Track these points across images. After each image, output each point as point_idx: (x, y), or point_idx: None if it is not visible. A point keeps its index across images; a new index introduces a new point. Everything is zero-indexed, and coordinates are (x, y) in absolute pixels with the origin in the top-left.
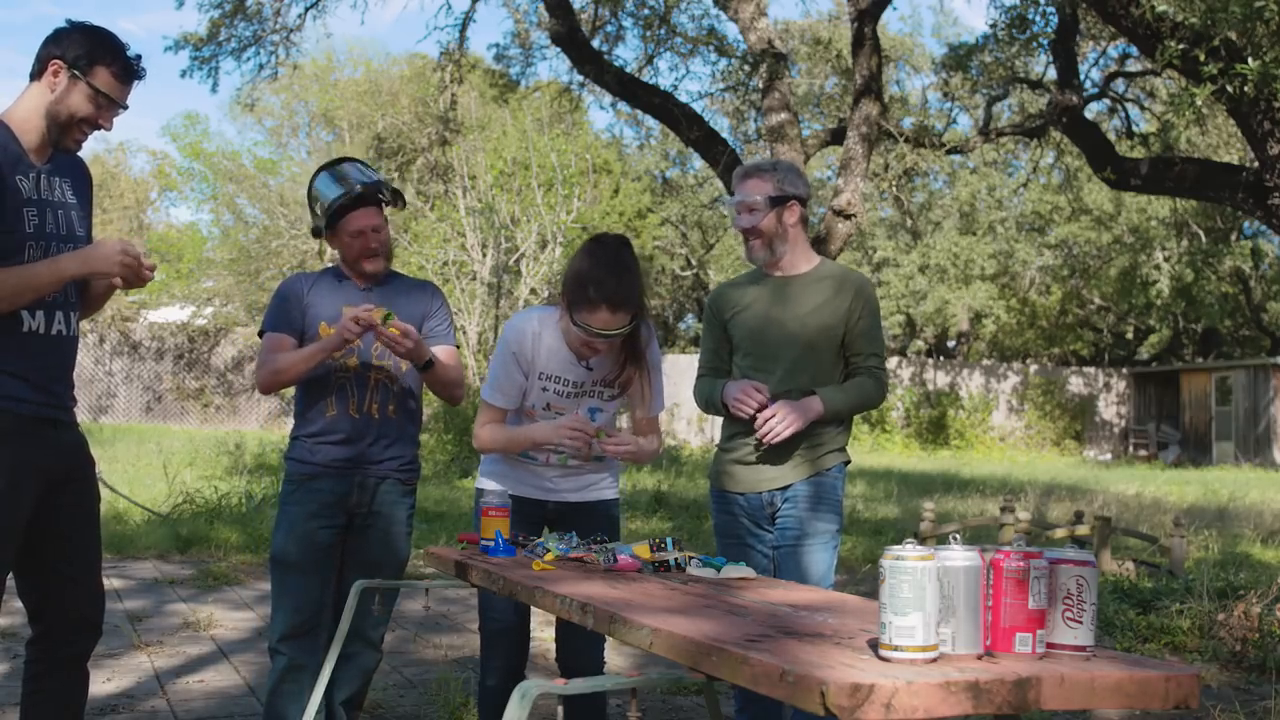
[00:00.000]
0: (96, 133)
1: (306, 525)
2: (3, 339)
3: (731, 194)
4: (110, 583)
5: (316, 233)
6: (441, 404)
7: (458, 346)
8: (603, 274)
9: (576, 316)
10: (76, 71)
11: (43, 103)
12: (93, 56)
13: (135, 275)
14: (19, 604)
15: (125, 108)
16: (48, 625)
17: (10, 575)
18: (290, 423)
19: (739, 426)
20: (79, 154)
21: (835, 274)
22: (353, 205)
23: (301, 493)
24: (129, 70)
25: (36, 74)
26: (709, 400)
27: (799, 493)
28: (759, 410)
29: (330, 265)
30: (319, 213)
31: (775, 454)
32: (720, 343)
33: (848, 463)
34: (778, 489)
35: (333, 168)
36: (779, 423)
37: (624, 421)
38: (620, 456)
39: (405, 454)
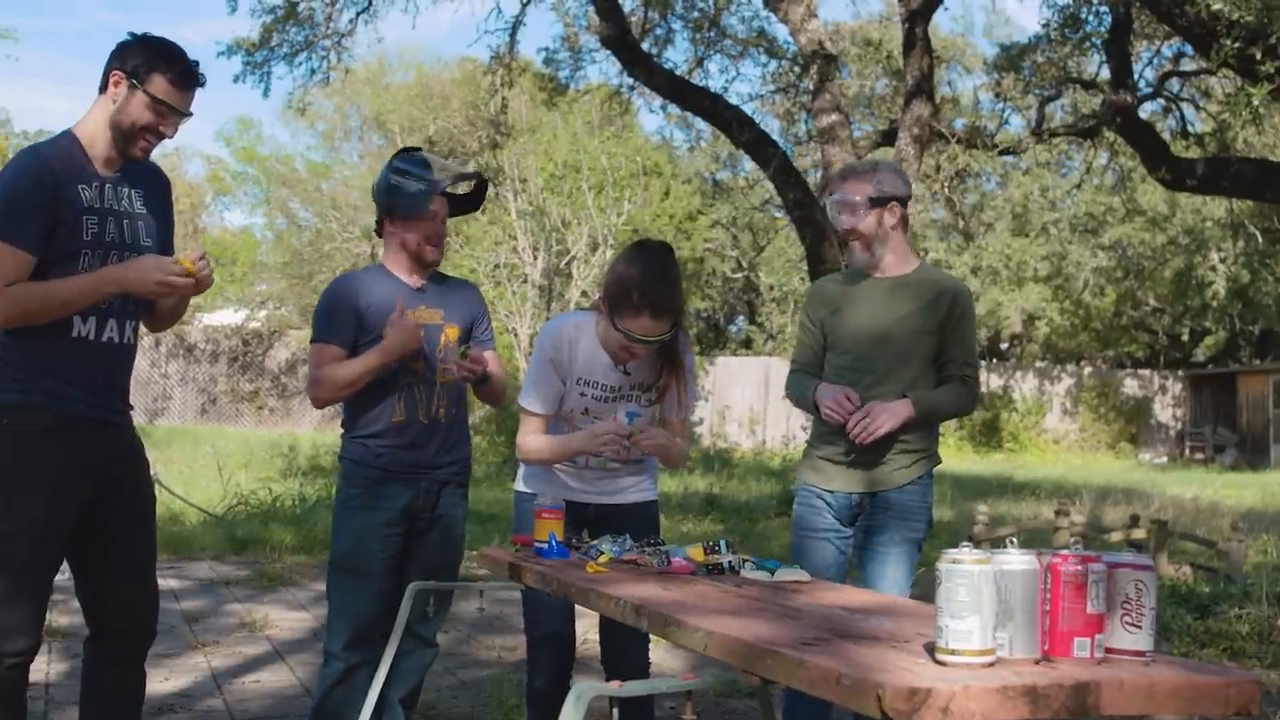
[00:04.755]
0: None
1: (377, 532)
2: (52, 343)
3: (831, 195)
4: (167, 583)
5: (390, 210)
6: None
7: (503, 348)
8: (648, 280)
9: (619, 322)
10: (135, 81)
11: (107, 114)
12: (149, 65)
13: (189, 288)
14: (78, 604)
15: (188, 115)
16: (101, 625)
17: (69, 576)
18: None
19: (832, 425)
20: (156, 165)
21: (934, 278)
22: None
23: (368, 498)
24: (186, 77)
25: (102, 87)
26: (801, 397)
27: (892, 500)
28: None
29: (373, 265)
30: (413, 190)
31: (867, 457)
32: (816, 339)
33: (938, 463)
34: (867, 493)
35: (417, 153)
36: (872, 422)
37: None
38: (654, 449)
39: (464, 456)
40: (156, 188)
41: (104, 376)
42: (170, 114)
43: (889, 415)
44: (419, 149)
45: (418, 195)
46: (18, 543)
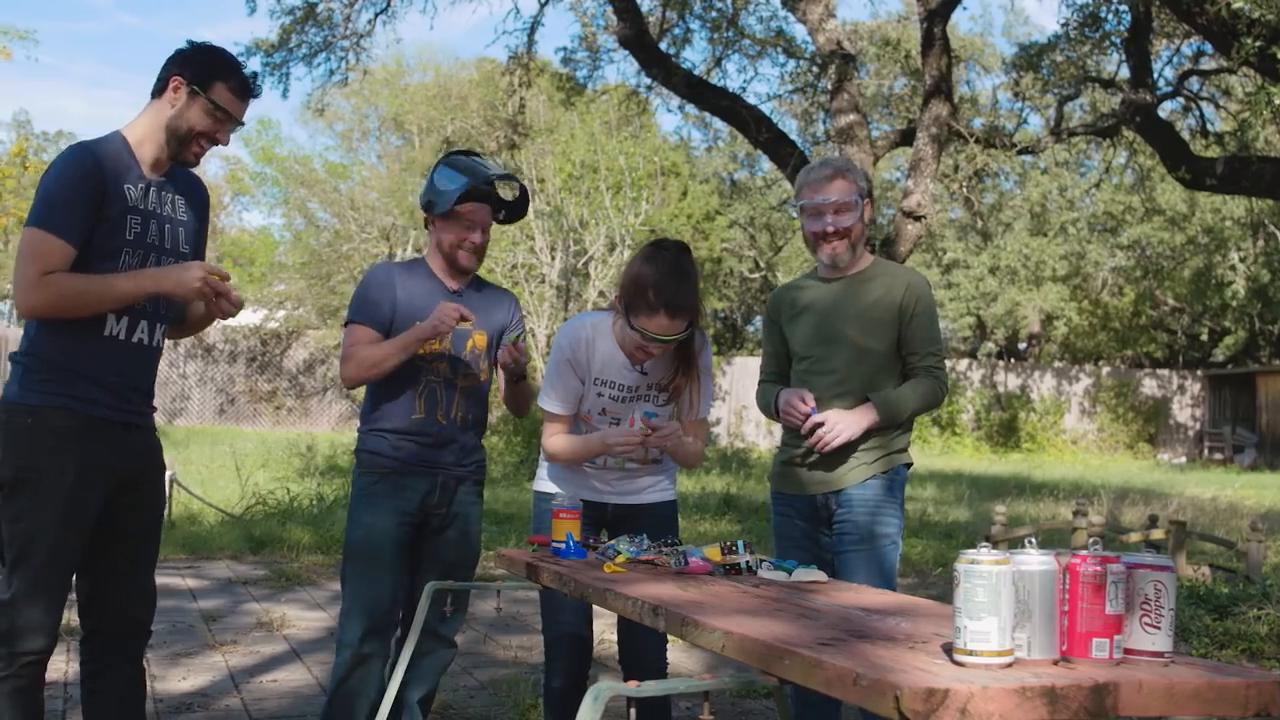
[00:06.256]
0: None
1: (388, 521)
2: (84, 342)
3: (795, 197)
4: (185, 582)
5: (429, 207)
6: None
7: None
8: (663, 280)
9: (634, 320)
10: (196, 87)
11: (163, 118)
12: (211, 73)
13: (215, 305)
14: None
15: (242, 123)
16: (96, 623)
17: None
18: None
19: (794, 429)
20: (198, 176)
21: (887, 271)
22: (480, 198)
23: (383, 487)
24: (245, 87)
25: (158, 91)
26: (767, 406)
27: (855, 496)
28: (806, 419)
29: (416, 258)
30: (446, 188)
31: (832, 456)
32: (779, 346)
33: (909, 465)
34: (834, 492)
35: (467, 156)
36: (828, 432)
37: None
38: (665, 443)
39: (480, 456)
40: (197, 197)
41: (131, 378)
42: (228, 121)
43: (847, 425)
44: (470, 152)
45: (448, 194)
46: (37, 543)
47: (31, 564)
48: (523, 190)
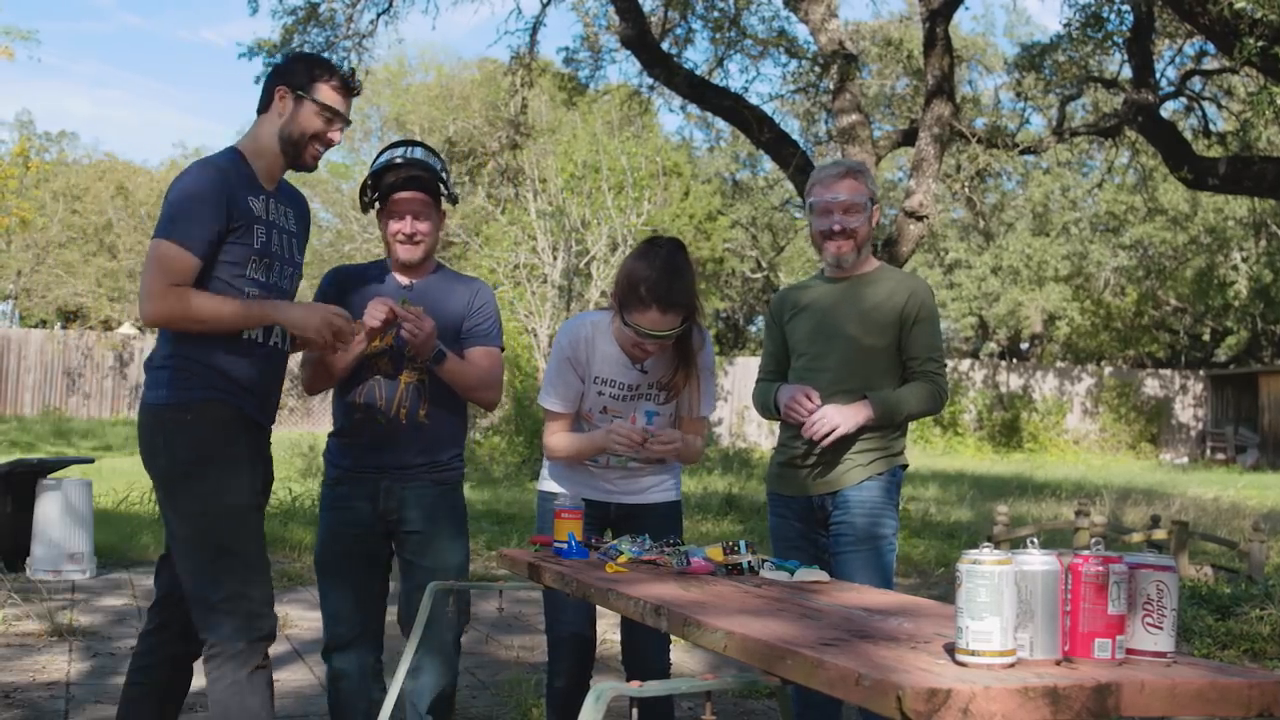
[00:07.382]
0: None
1: (338, 531)
2: (225, 344)
3: (804, 195)
4: None
5: (365, 207)
6: (515, 406)
7: (522, 349)
8: (654, 275)
9: (627, 316)
10: (301, 92)
11: (274, 129)
12: (312, 76)
13: (330, 352)
14: (109, 603)
15: (349, 121)
16: (166, 619)
17: (94, 575)
18: None
19: (793, 429)
20: (299, 191)
21: (892, 276)
22: (402, 185)
23: (333, 497)
24: (346, 85)
25: (264, 107)
26: (765, 404)
27: (853, 498)
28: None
29: (379, 259)
30: (368, 181)
31: (824, 459)
32: (779, 346)
33: (905, 467)
34: (830, 493)
35: (396, 146)
36: (823, 420)
37: None
38: (668, 455)
39: (439, 457)
40: (302, 213)
41: (267, 380)
42: (336, 119)
43: (843, 417)
44: (408, 141)
45: (369, 177)
46: (231, 526)
47: (238, 548)
48: (437, 160)
